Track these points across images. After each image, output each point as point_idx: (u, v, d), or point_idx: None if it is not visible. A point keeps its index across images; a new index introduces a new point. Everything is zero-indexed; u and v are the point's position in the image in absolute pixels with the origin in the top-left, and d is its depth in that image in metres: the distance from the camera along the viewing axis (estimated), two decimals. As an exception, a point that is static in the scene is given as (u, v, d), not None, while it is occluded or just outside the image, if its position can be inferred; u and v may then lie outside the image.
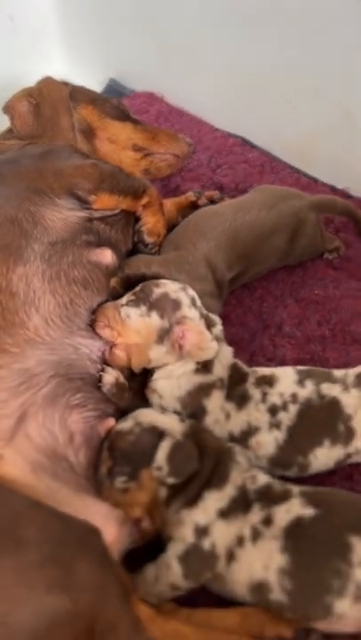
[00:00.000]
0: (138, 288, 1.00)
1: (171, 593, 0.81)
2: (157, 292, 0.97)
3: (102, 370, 0.95)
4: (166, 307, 0.96)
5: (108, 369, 0.95)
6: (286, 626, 0.78)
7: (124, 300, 1.00)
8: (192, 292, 0.99)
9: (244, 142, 1.70)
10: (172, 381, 0.95)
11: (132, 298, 0.98)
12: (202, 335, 0.94)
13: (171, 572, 0.80)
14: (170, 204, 1.40)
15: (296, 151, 1.61)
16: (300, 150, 1.61)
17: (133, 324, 0.96)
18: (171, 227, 1.30)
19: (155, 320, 0.95)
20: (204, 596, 0.85)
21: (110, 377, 0.94)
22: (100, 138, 1.43)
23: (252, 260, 1.23)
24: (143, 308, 0.96)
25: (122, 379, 0.96)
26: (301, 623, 0.78)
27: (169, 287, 0.98)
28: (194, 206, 1.40)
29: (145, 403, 0.97)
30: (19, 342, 0.89)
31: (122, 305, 0.99)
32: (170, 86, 1.87)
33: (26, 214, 1.04)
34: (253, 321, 1.25)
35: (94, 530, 0.71)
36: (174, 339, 0.94)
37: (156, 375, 0.97)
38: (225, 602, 0.83)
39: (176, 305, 0.96)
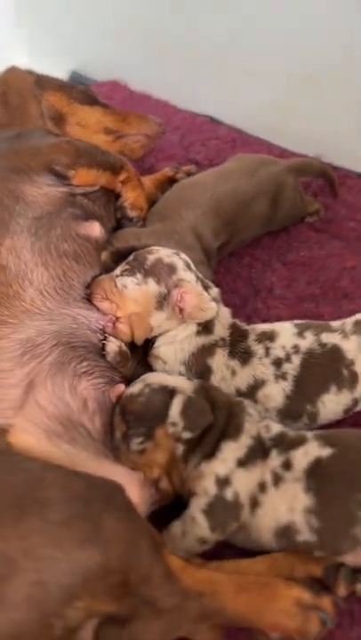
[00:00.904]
0: (130, 258, 1.00)
1: (199, 547, 0.81)
2: (151, 258, 0.97)
3: (104, 339, 0.94)
4: (162, 272, 0.95)
5: (111, 338, 0.94)
6: (315, 564, 0.78)
7: (118, 270, 0.99)
8: (185, 257, 0.99)
9: (212, 120, 1.72)
10: (175, 346, 0.95)
11: (127, 267, 0.98)
12: (201, 296, 0.94)
13: (197, 525, 0.79)
14: (148, 180, 1.40)
15: (265, 124, 1.63)
16: (268, 123, 1.63)
17: (131, 293, 0.96)
18: (151, 203, 1.30)
19: (152, 286, 0.95)
20: (230, 553, 0.85)
21: (113, 345, 0.93)
22: (70, 123, 1.43)
23: (236, 227, 1.24)
24: (139, 276, 0.96)
25: (124, 347, 0.95)
26: (330, 560, 0.78)
27: (162, 253, 0.98)
28: (171, 182, 1.40)
29: (149, 371, 0.96)
30: (16, 314, 0.88)
31: (117, 276, 0.98)
32: (132, 73, 1.87)
33: (5, 191, 1.03)
34: (244, 287, 1.26)
35: (117, 486, 0.70)
36: (173, 302, 0.94)
37: (158, 342, 0.97)
38: (251, 556, 0.83)
39: (171, 269, 0.96)
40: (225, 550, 0.86)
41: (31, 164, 1.10)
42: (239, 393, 0.94)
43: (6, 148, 1.15)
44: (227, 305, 1.18)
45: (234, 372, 0.95)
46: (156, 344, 0.97)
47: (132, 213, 1.23)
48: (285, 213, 1.30)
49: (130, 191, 1.25)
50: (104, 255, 1.09)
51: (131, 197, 1.24)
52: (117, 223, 1.24)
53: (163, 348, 0.96)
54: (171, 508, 0.87)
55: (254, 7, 1.48)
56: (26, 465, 0.69)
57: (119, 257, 1.04)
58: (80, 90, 1.50)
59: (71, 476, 0.68)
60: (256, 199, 1.24)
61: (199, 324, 0.95)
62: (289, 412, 0.93)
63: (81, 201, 1.14)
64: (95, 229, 1.08)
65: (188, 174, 1.42)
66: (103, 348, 0.93)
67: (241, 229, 1.26)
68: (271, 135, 1.63)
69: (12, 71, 1.44)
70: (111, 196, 1.25)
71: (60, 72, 1.94)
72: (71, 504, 0.64)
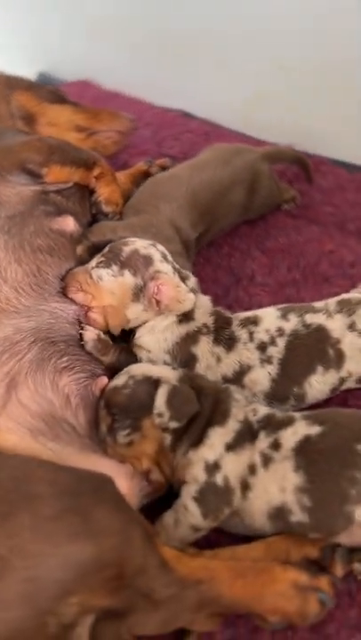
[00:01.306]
0: (106, 249, 0.99)
1: (193, 535, 0.80)
2: (127, 250, 0.96)
3: (82, 328, 0.93)
4: (138, 263, 0.94)
5: (89, 327, 0.93)
6: (311, 546, 0.77)
7: (93, 262, 0.98)
8: (162, 248, 0.98)
9: (185, 114, 1.71)
10: (156, 335, 0.94)
11: (102, 259, 0.97)
12: (178, 288, 0.93)
13: (189, 513, 0.78)
14: (122, 176, 1.38)
15: (238, 116, 1.63)
16: (241, 114, 1.63)
17: (107, 285, 0.95)
18: (126, 198, 1.29)
19: (128, 278, 0.94)
20: (225, 541, 0.84)
21: (91, 334, 0.92)
22: (40, 123, 1.41)
23: (214, 217, 1.24)
24: (115, 268, 0.95)
25: (103, 335, 0.94)
26: (325, 541, 0.78)
27: (138, 244, 0.97)
28: (146, 176, 1.39)
29: (133, 359, 0.95)
30: None
31: (92, 268, 0.97)
32: (102, 72, 1.86)
33: None
34: (225, 276, 1.25)
35: (106, 478, 0.69)
36: (150, 295, 0.93)
37: (139, 332, 0.95)
38: (246, 543, 0.83)
39: (148, 261, 0.95)
40: (219, 538, 0.85)
41: (4, 163, 1.09)
42: (226, 379, 0.93)
43: (-23, 149, 1.13)
44: (208, 295, 1.18)
45: (219, 359, 0.94)
46: (138, 334, 0.95)
47: (107, 209, 1.22)
48: (262, 201, 1.30)
49: (104, 186, 1.24)
50: (80, 249, 1.07)
51: (105, 193, 1.23)
52: (93, 219, 1.23)
53: (145, 338, 0.94)
54: (161, 500, 0.86)
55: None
56: (11, 462, 0.68)
57: (95, 250, 1.03)
58: (49, 89, 1.49)
59: (59, 471, 0.67)
60: (232, 188, 1.24)
61: (178, 315, 0.94)
62: (276, 395, 0.93)
63: (54, 198, 1.13)
64: (69, 224, 1.07)
65: (163, 168, 1.41)
66: (81, 337, 0.92)
67: (218, 219, 1.25)
68: (244, 126, 1.63)
69: (-21, 73, 1.42)
70: (85, 192, 1.23)
71: (28, 74, 1.93)
72: (60, 498, 0.63)
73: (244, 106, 1.62)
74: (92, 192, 1.24)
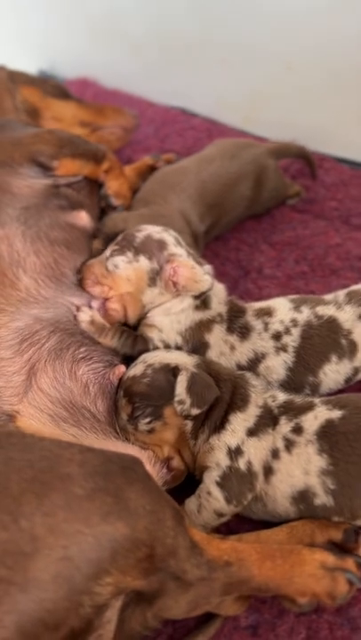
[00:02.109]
0: (119, 238, 0.99)
1: (216, 521, 0.80)
2: (140, 235, 0.96)
3: (77, 309, 0.92)
4: (152, 248, 0.95)
5: (83, 308, 0.93)
6: (334, 529, 0.77)
7: (107, 252, 0.98)
8: (174, 233, 0.99)
9: (185, 112, 1.72)
10: (170, 317, 0.94)
11: (116, 248, 0.97)
12: (194, 269, 0.94)
13: (213, 498, 0.78)
14: (129, 170, 1.39)
15: (240, 113, 1.64)
16: (243, 112, 1.64)
17: (123, 272, 0.95)
18: (133, 192, 1.29)
19: (143, 263, 0.94)
20: (247, 529, 0.84)
21: (85, 315, 0.92)
22: (45, 117, 1.42)
23: (221, 210, 1.24)
24: (129, 254, 0.95)
25: (98, 317, 0.94)
26: (349, 524, 0.78)
27: (151, 229, 0.97)
28: (152, 170, 1.40)
29: (136, 343, 0.95)
30: (12, 302, 0.86)
31: (107, 258, 0.97)
32: (102, 70, 1.86)
33: None
34: (233, 269, 1.26)
35: (134, 459, 0.68)
36: (167, 277, 0.93)
37: (152, 313, 0.95)
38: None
39: (162, 245, 0.95)
40: (240, 526, 0.85)
41: (14, 155, 1.09)
42: (240, 367, 0.93)
43: (-13, 141, 1.13)
44: (218, 287, 1.18)
45: (233, 347, 0.94)
46: (150, 314, 0.95)
47: (116, 202, 1.23)
48: (268, 194, 1.31)
49: (113, 180, 1.24)
50: (97, 242, 1.08)
51: (114, 186, 1.24)
52: (102, 212, 1.24)
53: (158, 317, 0.94)
54: (179, 490, 0.86)
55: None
56: (40, 444, 0.67)
57: (111, 243, 1.03)
58: (53, 84, 1.49)
59: (87, 452, 0.66)
60: (239, 181, 1.25)
61: (195, 298, 0.95)
62: (291, 384, 0.93)
63: (65, 191, 1.13)
64: (83, 218, 1.08)
65: (169, 162, 1.41)
66: (75, 318, 0.91)
67: (226, 212, 1.26)
68: (245, 124, 1.64)
69: (-17, 67, 1.42)
70: (94, 185, 1.24)
71: (28, 71, 1.93)
72: (91, 479, 0.62)
73: (245, 104, 1.63)
74: (100, 185, 1.25)
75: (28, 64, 1.91)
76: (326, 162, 1.49)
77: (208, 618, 0.76)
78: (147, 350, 0.93)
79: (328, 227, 1.32)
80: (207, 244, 1.28)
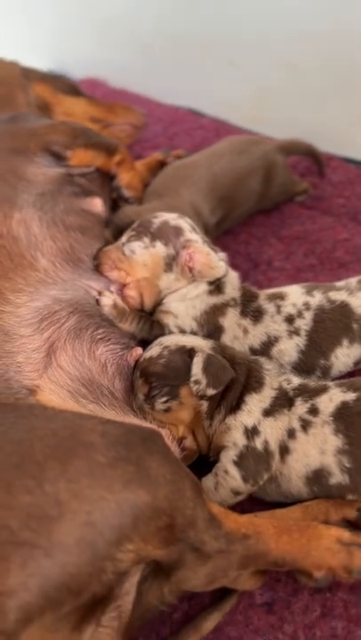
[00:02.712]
0: (135, 224, 1.00)
1: (232, 499, 0.80)
2: (157, 222, 0.98)
3: (99, 294, 0.94)
4: (169, 234, 0.96)
5: (105, 292, 0.94)
6: (349, 507, 0.78)
7: (124, 238, 1.00)
8: (189, 220, 1.01)
9: (194, 112, 1.75)
10: (185, 303, 0.96)
11: (133, 234, 0.98)
12: (209, 255, 0.95)
13: (229, 477, 0.79)
14: (139, 165, 1.41)
15: (247, 113, 1.67)
16: (250, 112, 1.67)
17: (139, 258, 0.96)
18: (144, 185, 1.31)
19: (160, 249, 0.96)
20: (258, 511, 0.84)
21: (108, 299, 0.93)
22: (56, 113, 1.44)
23: (232, 203, 1.26)
24: (146, 240, 0.96)
25: (120, 302, 0.95)
26: (362, 503, 0.79)
27: (167, 216, 0.99)
28: (162, 165, 1.42)
29: (155, 329, 0.96)
30: (31, 283, 0.87)
31: (123, 244, 0.98)
32: (111, 70, 1.89)
33: (8, 170, 1.03)
34: (243, 262, 1.27)
35: (154, 431, 0.69)
36: (183, 263, 0.94)
37: (168, 299, 0.97)
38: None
39: (178, 231, 0.97)
40: (254, 507, 0.85)
41: (29, 145, 1.11)
42: (253, 351, 0.94)
43: (3, 130, 1.14)
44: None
45: (246, 331, 0.95)
46: (166, 300, 0.97)
47: (127, 193, 1.25)
48: (277, 190, 1.33)
49: (125, 172, 1.26)
50: (107, 233, 1.09)
51: (126, 178, 1.26)
52: (113, 203, 1.25)
53: (173, 304, 0.96)
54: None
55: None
56: (62, 415, 0.68)
57: (121, 234, 1.04)
58: (64, 82, 1.52)
59: (108, 424, 0.67)
60: (249, 176, 1.27)
61: (210, 284, 0.96)
62: (303, 367, 0.94)
63: (79, 180, 1.15)
64: (97, 204, 1.09)
65: (178, 158, 1.43)
66: (98, 302, 0.92)
67: (236, 206, 1.28)
68: (254, 124, 1.67)
69: (-2, 62, 1.44)
70: (106, 178, 1.25)
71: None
72: (113, 448, 0.63)
73: (252, 103, 1.66)
74: (112, 178, 1.27)
75: (37, 64, 1.94)
76: (333, 161, 1.51)
77: (223, 595, 0.76)
78: (163, 335, 0.94)
79: (336, 222, 1.33)
80: (217, 238, 1.30)
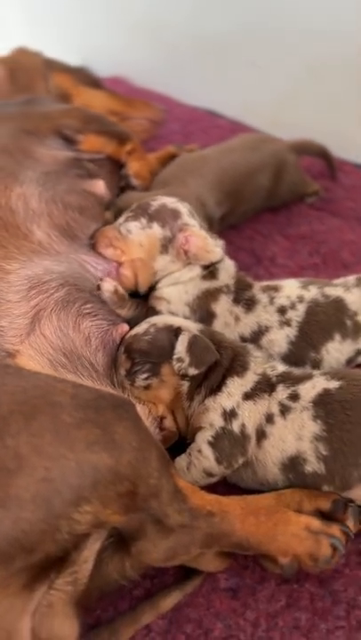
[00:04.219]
0: (133, 206, 1.01)
1: (204, 480, 0.79)
2: (155, 204, 0.98)
3: (101, 279, 0.94)
4: (166, 216, 0.97)
5: (107, 278, 0.94)
6: (323, 499, 0.76)
7: (121, 219, 1.00)
8: (188, 206, 1.01)
9: (212, 113, 1.76)
10: (178, 287, 0.95)
11: (130, 214, 0.99)
12: (205, 239, 0.95)
13: (203, 457, 0.78)
14: (152, 157, 1.42)
15: (265, 116, 1.67)
16: (268, 115, 1.67)
17: (135, 238, 0.97)
18: (154, 175, 1.32)
19: (156, 230, 0.96)
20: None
21: (109, 285, 0.93)
22: (75, 103, 1.46)
23: (239, 198, 1.26)
24: (143, 221, 0.97)
25: (120, 288, 0.95)
26: (338, 495, 0.77)
27: (165, 199, 0.99)
28: (174, 158, 1.42)
29: (151, 314, 0.96)
30: (25, 252, 0.88)
31: (120, 224, 0.99)
32: (134, 68, 1.92)
33: (16, 147, 1.05)
34: (246, 257, 1.27)
35: (126, 400, 0.69)
36: (178, 245, 0.95)
37: (161, 284, 0.97)
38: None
39: (175, 214, 0.97)
40: (229, 493, 0.84)
41: (41, 127, 1.13)
42: (243, 339, 0.94)
43: (17, 112, 1.17)
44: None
45: (237, 319, 0.95)
46: (159, 285, 0.97)
47: (135, 182, 1.26)
48: (286, 189, 1.33)
49: (134, 161, 1.28)
50: (108, 214, 1.10)
51: (135, 167, 1.27)
52: (121, 191, 1.26)
53: (166, 289, 0.96)
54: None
55: (258, 1, 1.53)
56: (35, 376, 0.68)
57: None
58: (86, 74, 1.55)
59: (80, 387, 0.67)
60: (259, 172, 1.27)
61: (204, 269, 0.96)
62: (293, 359, 0.92)
63: (87, 165, 1.17)
64: (100, 186, 1.11)
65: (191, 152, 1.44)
66: (99, 288, 0.93)
67: (243, 201, 1.28)
68: (271, 127, 1.67)
69: (22, 51, 1.49)
70: (116, 166, 1.27)
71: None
72: (82, 410, 0.63)
73: (270, 107, 1.66)
74: (121, 166, 1.28)
75: (63, 59, 1.99)
76: (347, 166, 1.51)
77: (187, 576, 0.75)
78: None
79: (343, 224, 1.32)
80: (221, 233, 1.29)
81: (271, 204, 1.35)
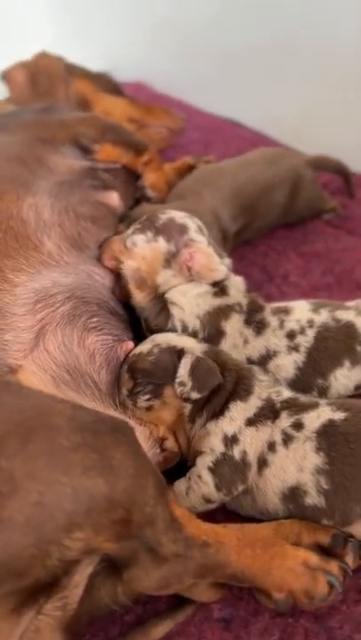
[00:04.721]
0: (143, 218, 1.00)
1: (203, 506, 0.78)
2: (163, 217, 0.97)
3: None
4: (173, 231, 0.95)
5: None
6: (323, 533, 0.74)
7: (129, 231, 0.99)
8: (198, 221, 0.99)
9: (233, 123, 1.74)
10: (189, 299, 0.94)
11: (138, 227, 0.98)
12: (210, 257, 0.94)
13: (202, 482, 0.77)
14: (169, 167, 1.41)
15: (287, 129, 1.65)
16: (290, 128, 1.65)
17: (140, 251, 0.95)
18: (170, 188, 1.31)
19: (161, 244, 0.95)
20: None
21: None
22: (94, 111, 1.46)
23: (255, 213, 1.25)
24: (149, 234, 0.96)
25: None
26: (338, 530, 0.75)
27: (175, 214, 0.98)
28: (191, 170, 1.41)
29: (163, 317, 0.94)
30: (34, 264, 0.87)
31: (127, 236, 0.98)
32: (157, 75, 1.91)
33: (31, 156, 1.05)
34: (258, 273, 1.25)
35: (125, 424, 0.68)
36: (182, 261, 0.93)
37: (170, 293, 0.95)
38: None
39: (183, 229, 0.96)
40: (228, 520, 0.82)
41: (58, 135, 1.13)
42: (250, 362, 0.92)
43: (34, 119, 1.17)
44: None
45: (246, 341, 0.93)
46: (169, 293, 0.95)
47: (151, 194, 1.25)
48: (303, 204, 1.31)
49: (151, 172, 1.27)
50: (121, 226, 1.09)
51: (151, 178, 1.26)
52: (136, 203, 1.25)
53: (178, 296, 0.94)
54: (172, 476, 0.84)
55: (285, 11, 1.51)
56: (34, 395, 0.68)
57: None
58: (107, 80, 1.54)
59: (79, 409, 0.66)
60: (275, 187, 1.25)
61: (213, 286, 0.94)
62: (300, 385, 0.91)
63: (102, 175, 1.16)
64: (114, 198, 1.10)
65: (208, 164, 1.43)
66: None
67: (259, 216, 1.26)
68: (293, 140, 1.65)
69: (43, 56, 1.49)
70: (131, 176, 1.26)
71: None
72: (79, 433, 0.62)
73: (293, 120, 1.64)
74: (138, 177, 1.27)
75: (86, 63, 1.99)
76: (367, 183, 1.48)
77: (180, 604, 0.73)
78: (163, 328, 0.93)
79: (359, 243, 1.30)
80: (235, 247, 1.28)
81: (287, 220, 1.33)
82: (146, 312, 0.93)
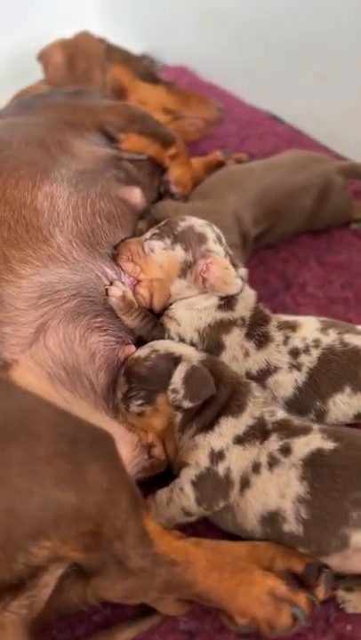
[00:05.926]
0: (162, 223, 0.98)
1: (182, 518, 0.78)
2: (183, 225, 0.95)
3: (110, 283, 0.92)
4: (191, 240, 0.94)
5: (117, 282, 0.92)
6: (298, 560, 0.74)
7: (147, 234, 0.98)
8: (218, 230, 0.97)
9: (274, 117, 1.70)
10: (192, 313, 0.93)
11: (156, 232, 0.96)
12: (227, 270, 0.92)
13: (184, 495, 0.77)
14: (198, 162, 1.38)
15: (326, 128, 1.60)
16: (329, 127, 1.59)
17: (157, 258, 0.94)
18: (196, 183, 1.28)
19: (179, 253, 0.93)
20: (211, 537, 0.82)
21: (117, 290, 0.91)
22: (130, 99, 1.43)
23: (279, 218, 1.21)
24: (167, 241, 0.94)
25: (130, 295, 0.93)
26: (313, 559, 0.74)
27: (194, 221, 0.96)
28: (220, 166, 1.38)
29: (156, 330, 0.94)
30: (41, 257, 0.87)
31: (145, 240, 0.97)
32: (202, 61, 1.87)
33: (54, 141, 1.03)
34: (276, 280, 1.23)
35: (107, 435, 0.68)
36: (198, 272, 0.92)
37: (176, 305, 0.94)
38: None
39: (201, 239, 0.94)
40: (208, 533, 0.83)
41: (85, 120, 1.11)
42: (249, 376, 0.91)
43: (64, 102, 1.16)
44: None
45: (247, 354, 0.92)
46: (174, 306, 0.94)
47: (175, 189, 1.23)
48: (331, 211, 1.27)
49: (177, 167, 1.25)
50: (141, 224, 1.08)
51: (176, 173, 1.24)
52: (159, 197, 1.24)
53: (179, 311, 0.93)
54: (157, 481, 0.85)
55: (333, 8, 1.45)
56: (21, 396, 0.68)
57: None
58: (146, 65, 1.51)
59: (63, 415, 0.67)
60: (303, 192, 1.21)
61: (221, 299, 0.93)
62: (297, 405, 0.89)
63: (126, 165, 1.14)
64: (135, 195, 1.08)
65: (238, 162, 1.40)
66: (107, 292, 0.91)
67: (283, 221, 1.23)
68: (330, 140, 1.60)
69: (84, 36, 1.46)
70: (157, 169, 1.24)
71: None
72: (58, 442, 0.63)
73: (333, 119, 1.58)
74: (163, 171, 1.25)
75: (131, 45, 1.96)
76: None
77: (148, 611, 0.74)
78: (161, 338, 0.93)
79: (385, 258, 1.26)
80: (257, 251, 1.26)
81: (313, 227, 1.30)
82: (138, 331, 0.93)
